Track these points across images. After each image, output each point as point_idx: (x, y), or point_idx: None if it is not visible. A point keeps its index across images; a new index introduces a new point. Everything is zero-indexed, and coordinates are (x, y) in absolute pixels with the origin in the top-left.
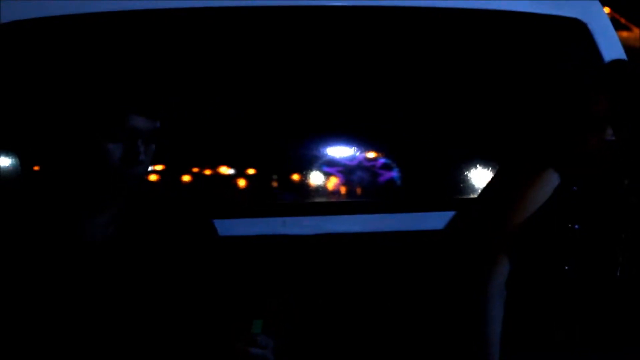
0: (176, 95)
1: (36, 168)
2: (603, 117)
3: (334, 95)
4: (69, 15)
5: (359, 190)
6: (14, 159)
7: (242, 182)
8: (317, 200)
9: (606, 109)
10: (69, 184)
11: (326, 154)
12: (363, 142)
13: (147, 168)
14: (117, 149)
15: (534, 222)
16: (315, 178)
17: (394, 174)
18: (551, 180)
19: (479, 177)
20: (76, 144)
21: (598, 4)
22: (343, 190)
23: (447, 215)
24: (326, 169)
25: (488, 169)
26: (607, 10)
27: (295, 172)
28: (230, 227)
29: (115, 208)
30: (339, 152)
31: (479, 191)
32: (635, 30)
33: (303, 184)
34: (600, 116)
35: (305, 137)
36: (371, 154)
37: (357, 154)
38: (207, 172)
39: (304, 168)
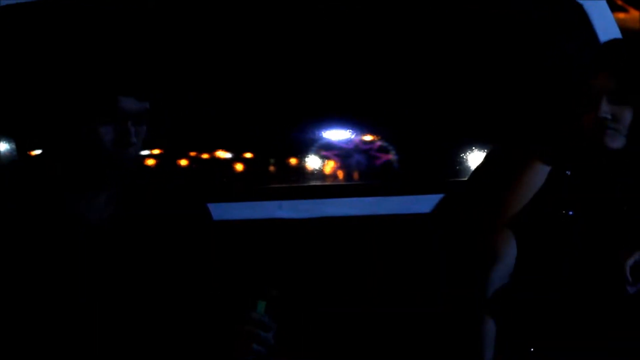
0: (168, 76)
1: (29, 152)
2: (599, 98)
3: (330, 79)
4: None
5: (355, 174)
6: (8, 143)
7: (238, 166)
8: (313, 183)
9: (603, 89)
10: (62, 168)
11: (322, 138)
12: (359, 125)
13: (140, 149)
14: (108, 131)
15: (528, 208)
16: (311, 161)
17: (391, 156)
18: (545, 165)
19: (476, 159)
20: (68, 127)
21: None
22: (339, 173)
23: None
24: (323, 152)
25: (484, 151)
26: None
27: (290, 155)
28: (226, 210)
29: (110, 191)
30: (335, 135)
31: (471, 174)
32: (632, 11)
33: (298, 167)
34: (596, 96)
35: (301, 120)
36: (367, 137)
37: (353, 137)
38: (204, 155)
39: (299, 151)
